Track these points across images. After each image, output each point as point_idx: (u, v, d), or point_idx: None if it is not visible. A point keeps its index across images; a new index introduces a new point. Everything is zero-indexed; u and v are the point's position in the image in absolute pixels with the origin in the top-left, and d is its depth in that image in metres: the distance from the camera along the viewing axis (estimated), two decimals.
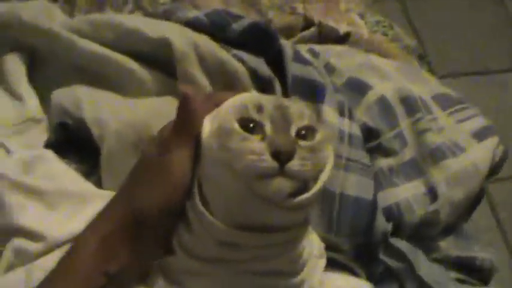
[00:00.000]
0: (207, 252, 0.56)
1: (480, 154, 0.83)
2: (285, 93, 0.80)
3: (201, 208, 0.54)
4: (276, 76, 0.82)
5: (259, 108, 0.53)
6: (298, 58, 0.81)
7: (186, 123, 0.57)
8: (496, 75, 1.94)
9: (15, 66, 0.86)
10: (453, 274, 0.85)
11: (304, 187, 0.53)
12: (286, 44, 0.82)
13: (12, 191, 0.73)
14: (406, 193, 0.82)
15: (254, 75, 0.81)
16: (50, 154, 0.79)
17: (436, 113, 0.86)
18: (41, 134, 0.84)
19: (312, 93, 0.80)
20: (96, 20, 0.84)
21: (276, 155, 0.50)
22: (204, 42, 0.81)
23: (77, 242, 0.59)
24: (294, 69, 0.80)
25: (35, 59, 0.88)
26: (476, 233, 0.91)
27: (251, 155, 0.50)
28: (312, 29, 0.91)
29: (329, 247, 0.78)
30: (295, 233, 0.57)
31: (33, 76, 0.88)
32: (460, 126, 0.87)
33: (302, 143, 0.53)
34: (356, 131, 0.81)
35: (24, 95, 0.85)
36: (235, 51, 0.82)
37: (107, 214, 0.59)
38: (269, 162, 0.50)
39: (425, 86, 0.90)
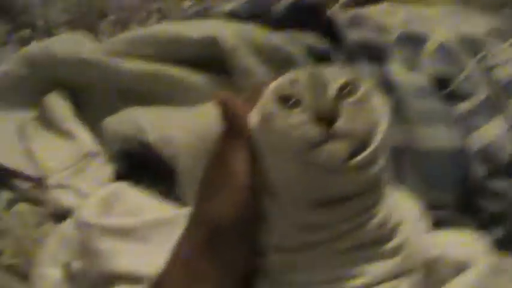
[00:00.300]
0: (292, 241, 0.54)
1: None
2: (346, 61, 0.77)
3: (270, 201, 0.53)
4: (333, 46, 0.79)
5: (293, 83, 0.51)
6: (353, 23, 0.78)
7: (234, 130, 0.55)
8: None
9: (60, 105, 0.82)
10: None
11: (363, 146, 0.50)
12: (337, 12, 0.79)
13: (102, 236, 0.69)
14: (491, 133, 0.78)
15: (310, 52, 0.78)
16: (124, 186, 0.75)
17: (498, 46, 0.83)
18: (102, 167, 0.80)
19: (375, 55, 0.77)
20: (131, 38, 0.81)
21: (320, 119, 0.47)
22: (252, 31, 0.77)
23: (162, 273, 0.56)
24: (350, 35, 0.77)
25: (75, 94, 0.85)
26: None
27: (295, 130, 0.48)
28: None
29: (430, 206, 0.75)
30: (372, 198, 0.54)
31: (78, 111, 0.85)
32: None
33: (345, 101, 0.49)
34: (426, 82, 0.78)
35: (75, 131, 0.82)
36: (285, 33, 0.79)
37: (185, 238, 0.57)
38: (314, 130, 0.47)
39: (479, 22, 0.87)
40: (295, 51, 0.77)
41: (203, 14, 0.81)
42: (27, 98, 0.85)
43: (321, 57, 0.77)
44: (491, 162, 0.77)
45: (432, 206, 0.73)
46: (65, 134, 0.81)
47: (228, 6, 0.81)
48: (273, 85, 0.54)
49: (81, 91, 0.84)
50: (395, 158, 0.75)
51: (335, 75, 0.52)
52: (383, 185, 0.56)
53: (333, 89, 0.50)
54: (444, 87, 0.80)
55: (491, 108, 0.80)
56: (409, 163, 0.74)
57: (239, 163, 0.54)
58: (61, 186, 0.77)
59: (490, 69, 0.80)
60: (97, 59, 0.80)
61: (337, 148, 0.48)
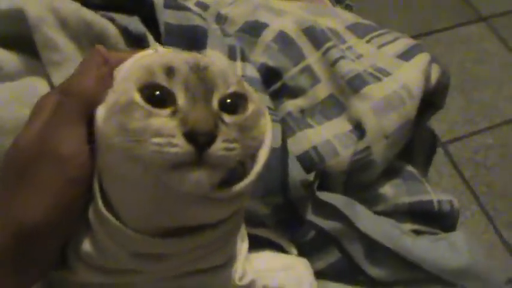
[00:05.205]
0: (119, 265, 0.40)
1: (410, 74, 0.64)
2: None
3: (105, 213, 0.38)
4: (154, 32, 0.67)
5: (170, 71, 0.37)
6: (171, 4, 0.66)
7: (72, 100, 0.39)
8: (440, 33, 1.80)
9: None
10: (408, 226, 0.66)
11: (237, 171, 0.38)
12: None
13: None
14: (326, 134, 0.64)
15: (126, 33, 0.66)
16: None
17: (351, 41, 0.69)
18: None
19: (191, 40, 0.64)
20: None
21: (192, 136, 0.34)
22: (64, 4, 0.66)
23: None
24: (166, 16, 0.64)
25: None
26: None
27: (157, 137, 0.34)
28: None
29: (250, 221, 0.61)
30: (231, 225, 0.41)
31: None
32: (383, 50, 0.68)
33: (228, 118, 0.37)
34: (252, 73, 0.64)
35: None
36: (102, 12, 0.67)
37: None
38: (183, 146, 0.34)
39: (336, 19, 0.73)
40: (109, 30, 0.65)
41: None
42: None
43: (136, 41, 0.65)
44: (321, 168, 0.63)
45: (252, 221, 0.60)
46: None
47: None
48: (140, 64, 0.39)
49: None
50: None
51: (224, 77, 0.38)
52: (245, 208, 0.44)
53: (217, 97, 0.37)
54: (276, 81, 0.66)
55: (332, 107, 0.66)
56: None
57: (72, 141, 0.38)
58: None
59: (335, 62, 0.66)
60: None
61: (204, 177, 0.35)
